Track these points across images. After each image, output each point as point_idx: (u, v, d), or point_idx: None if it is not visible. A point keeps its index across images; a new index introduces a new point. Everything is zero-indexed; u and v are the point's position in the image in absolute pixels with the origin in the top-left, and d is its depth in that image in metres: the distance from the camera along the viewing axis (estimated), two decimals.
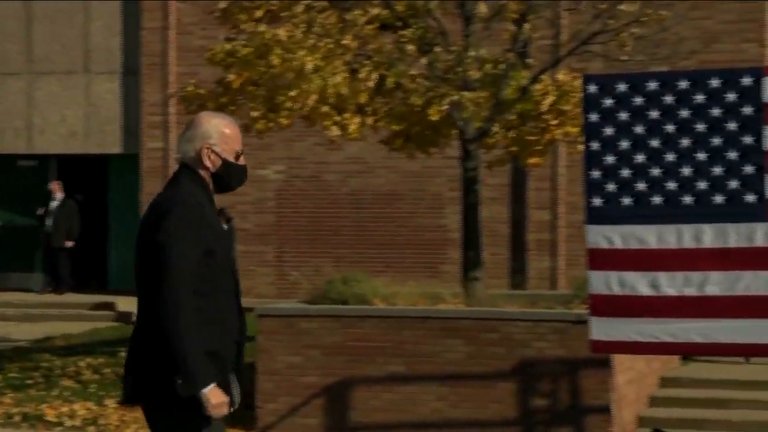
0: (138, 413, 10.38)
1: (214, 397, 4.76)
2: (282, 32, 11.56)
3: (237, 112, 12.19)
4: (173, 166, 7.05)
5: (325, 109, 11.54)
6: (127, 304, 17.22)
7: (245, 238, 17.95)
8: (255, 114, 12.03)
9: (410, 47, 11.65)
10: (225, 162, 5.00)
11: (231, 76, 12.04)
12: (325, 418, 11.69)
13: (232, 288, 5.06)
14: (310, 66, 11.27)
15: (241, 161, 5.06)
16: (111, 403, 12.32)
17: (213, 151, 4.97)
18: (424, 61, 11.82)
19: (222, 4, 12.61)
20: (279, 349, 11.83)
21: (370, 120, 11.94)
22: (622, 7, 11.60)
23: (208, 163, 4.98)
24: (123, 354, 11.79)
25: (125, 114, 20.32)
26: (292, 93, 11.42)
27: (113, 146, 20.65)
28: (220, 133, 4.99)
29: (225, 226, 17.11)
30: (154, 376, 4.83)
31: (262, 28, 11.87)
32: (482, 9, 11.80)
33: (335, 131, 11.76)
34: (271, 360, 11.84)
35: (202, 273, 4.87)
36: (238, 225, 17.74)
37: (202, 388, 4.74)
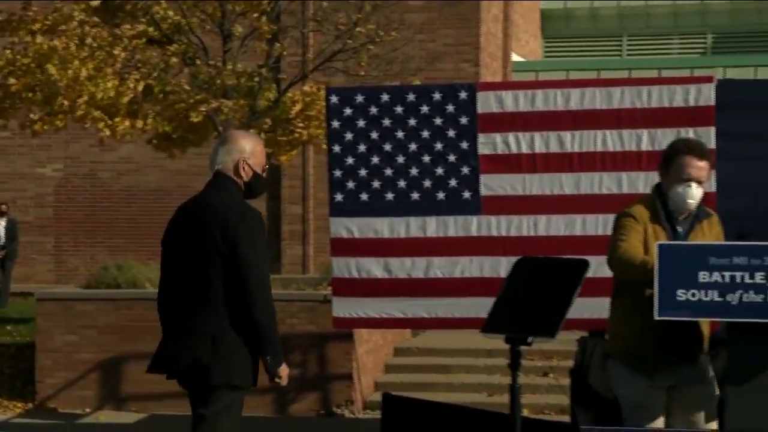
0: None
1: (284, 369, 5.09)
2: (58, 44, 11.19)
3: (16, 114, 11.79)
4: None
5: (96, 113, 11.24)
6: None
7: (26, 230, 17.35)
8: (33, 117, 11.64)
9: (174, 60, 11.46)
10: (255, 173, 5.23)
11: (12, 81, 11.56)
12: (99, 391, 11.42)
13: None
14: (83, 75, 10.95)
15: (264, 174, 5.31)
16: None
17: (247, 164, 5.19)
18: (187, 71, 11.65)
19: (1, 17, 12.09)
20: (57, 329, 11.50)
21: (139, 123, 11.71)
22: (360, 29, 11.71)
23: (242, 173, 5.20)
24: None
25: None
26: (66, 102, 11.10)
27: None
28: (253, 149, 5.23)
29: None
30: (235, 362, 4.96)
31: (39, 39, 11.46)
32: (238, 29, 11.72)
33: (106, 132, 11.50)
34: (50, 339, 11.50)
35: None
36: (20, 218, 17.16)
37: (282, 363, 5.05)
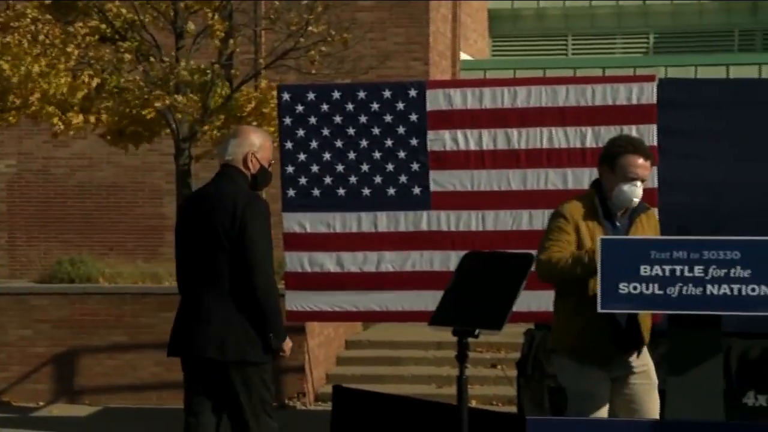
0: None
1: (288, 343, 5.43)
2: (11, 41, 11.07)
3: None
4: None
5: (50, 108, 11.13)
6: None
7: None
8: None
9: (128, 57, 11.37)
10: (261, 167, 5.47)
11: None
12: (53, 384, 11.34)
13: None
14: (36, 71, 10.84)
15: (270, 168, 5.54)
16: None
17: (255, 157, 5.44)
18: (140, 68, 11.57)
19: None
20: (11, 324, 11.41)
21: (92, 118, 11.62)
22: (311, 28, 11.70)
23: (250, 166, 5.44)
24: None
25: None
26: (17, 101, 11.00)
27: None
28: (261, 144, 5.47)
29: None
30: (245, 340, 5.26)
31: None
32: (191, 26, 11.66)
33: (60, 126, 11.40)
34: (4, 333, 11.41)
35: None
36: None
37: (285, 338, 5.37)
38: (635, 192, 5.31)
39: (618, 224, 5.38)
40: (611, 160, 5.41)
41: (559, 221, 5.32)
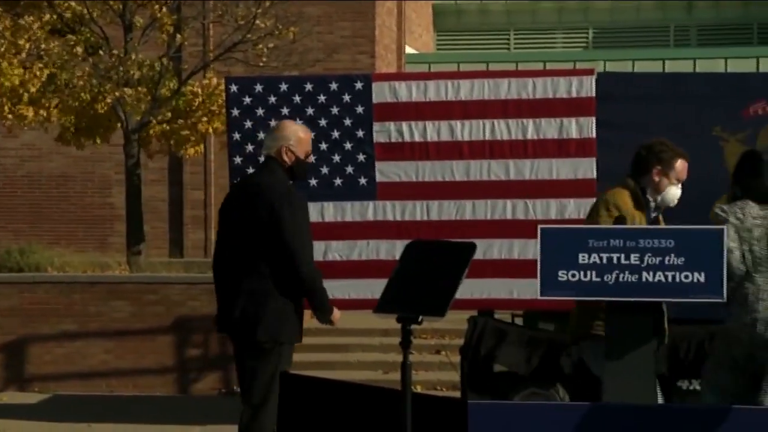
0: None
1: (336, 313, 5.86)
2: None
3: None
4: None
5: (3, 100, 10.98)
6: None
7: None
8: None
9: (78, 49, 11.23)
10: (297, 159, 5.70)
11: None
12: (3, 372, 11.18)
13: None
14: None
15: (309, 159, 5.83)
16: None
17: (290, 150, 5.67)
18: (90, 61, 11.44)
19: None
20: None
21: (44, 112, 11.46)
22: (259, 22, 11.64)
23: (285, 158, 5.68)
24: None
25: None
26: None
27: None
28: (296, 137, 5.72)
29: None
30: (275, 320, 5.55)
31: None
32: (139, 20, 11.54)
33: (11, 120, 11.24)
34: None
35: None
36: None
37: (332, 311, 5.81)
38: (678, 194, 5.74)
39: (651, 215, 5.76)
40: (666, 162, 5.71)
41: (609, 210, 5.57)
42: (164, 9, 11.54)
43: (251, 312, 5.56)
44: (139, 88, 11.12)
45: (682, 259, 4.67)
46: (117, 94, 10.98)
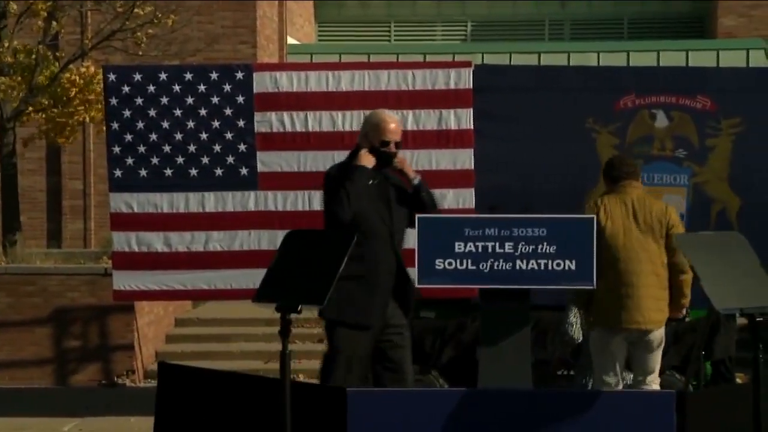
0: None
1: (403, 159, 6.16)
2: None
3: None
4: None
5: None
6: None
7: None
8: None
9: None
10: (372, 146, 5.90)
11: None
12: None
13: None
14: None
15: (390, 148, 5.93)
16: None
17: (366, 138, 5.96)
18: None
19: None
20: None
21: None
22: (138, 10, 11.43)
23: (364, 145, 5.93)
24: None
25: None
26: None
27: None
28: (372, 126, 5.98)
29: None
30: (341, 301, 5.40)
31: None
32: (13, 6, 11.22)
33: None
34: None
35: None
36: None
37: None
38: None
39: None
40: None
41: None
42: None
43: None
44: (13, 77, 10.80)
45: (554, 247, 4.77)
46: None
